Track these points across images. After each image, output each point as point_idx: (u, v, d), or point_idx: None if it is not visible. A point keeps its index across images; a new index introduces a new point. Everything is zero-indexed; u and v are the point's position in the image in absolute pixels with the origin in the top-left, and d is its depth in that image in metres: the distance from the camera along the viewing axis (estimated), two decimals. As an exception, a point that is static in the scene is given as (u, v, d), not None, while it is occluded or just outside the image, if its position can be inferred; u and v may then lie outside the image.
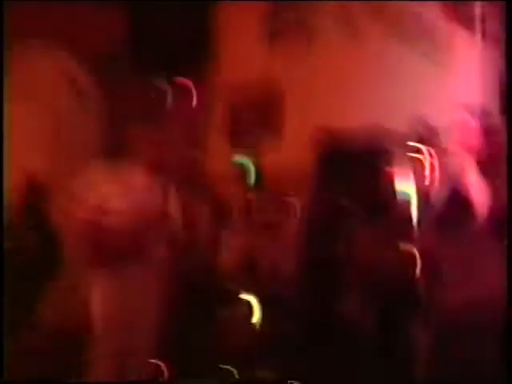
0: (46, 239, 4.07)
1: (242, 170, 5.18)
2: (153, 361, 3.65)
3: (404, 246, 2.53)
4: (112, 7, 4.49)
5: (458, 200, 2.61)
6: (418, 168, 2.61)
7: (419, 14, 4.58)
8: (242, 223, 4.36)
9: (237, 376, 3.36)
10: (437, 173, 2.75)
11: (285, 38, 4.98)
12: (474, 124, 2.66)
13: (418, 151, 2.58)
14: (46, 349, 3.65)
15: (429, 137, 2.56)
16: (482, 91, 4.27)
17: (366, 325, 3.79)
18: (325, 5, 4.79)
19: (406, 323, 2.26)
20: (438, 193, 2.76)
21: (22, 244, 4.10)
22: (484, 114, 2.75)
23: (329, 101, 5.00)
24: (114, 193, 3.49)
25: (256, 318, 3.71)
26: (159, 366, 3.80)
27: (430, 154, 2.57)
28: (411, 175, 2.39)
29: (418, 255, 2.35)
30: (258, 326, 3.64)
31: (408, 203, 2.37)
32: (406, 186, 2.42)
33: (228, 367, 3.31)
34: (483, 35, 4.35)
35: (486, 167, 2.59)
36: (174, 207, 3.67)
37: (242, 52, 5.56)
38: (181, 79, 4.53)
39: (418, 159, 2.57)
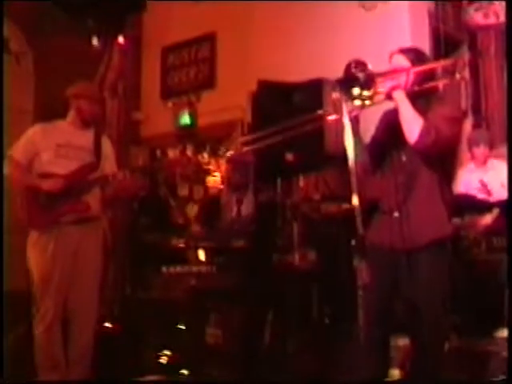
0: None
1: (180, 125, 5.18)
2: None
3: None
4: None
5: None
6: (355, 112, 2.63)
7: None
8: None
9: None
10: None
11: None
12: (409, 67, 2.70)
13: (356, 97, 2.59)
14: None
15: (366, 82, 2.57)
16: (414, 35, 4.35)
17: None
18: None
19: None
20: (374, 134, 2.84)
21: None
22: (418, 57, 2.79)
23: (267, 53, 5.00)
24: (52, 154, 3.44)
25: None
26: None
27: (368, 98, 2.59)
28: (348, 121, 2.41)
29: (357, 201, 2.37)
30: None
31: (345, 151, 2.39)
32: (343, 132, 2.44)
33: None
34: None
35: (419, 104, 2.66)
36: (112, 165, 3.64)
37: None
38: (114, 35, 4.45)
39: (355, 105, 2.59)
